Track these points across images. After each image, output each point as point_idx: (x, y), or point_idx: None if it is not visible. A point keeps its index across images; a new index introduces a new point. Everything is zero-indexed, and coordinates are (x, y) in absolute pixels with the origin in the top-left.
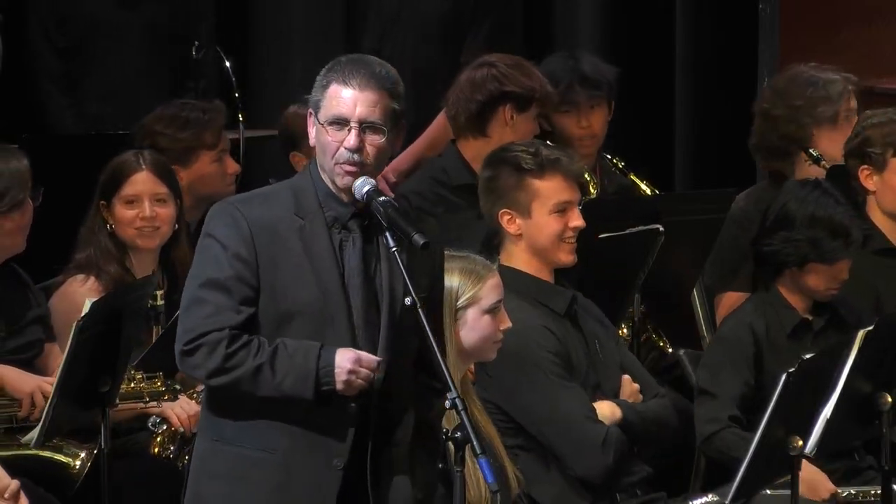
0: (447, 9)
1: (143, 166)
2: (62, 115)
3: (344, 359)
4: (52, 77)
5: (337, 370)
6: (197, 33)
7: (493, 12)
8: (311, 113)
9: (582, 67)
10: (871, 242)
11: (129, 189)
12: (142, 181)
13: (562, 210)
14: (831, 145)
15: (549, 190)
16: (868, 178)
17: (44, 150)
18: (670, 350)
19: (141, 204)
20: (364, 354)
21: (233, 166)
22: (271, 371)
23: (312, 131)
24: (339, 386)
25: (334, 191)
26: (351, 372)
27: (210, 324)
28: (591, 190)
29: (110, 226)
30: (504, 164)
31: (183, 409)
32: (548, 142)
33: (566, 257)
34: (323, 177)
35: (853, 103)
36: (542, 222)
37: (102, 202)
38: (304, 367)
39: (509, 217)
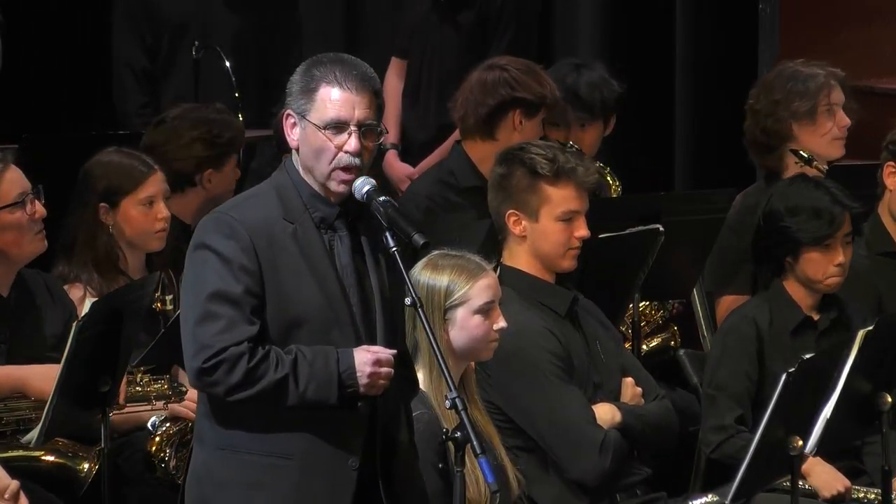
0: (472, 16)
1: (155, 167)
2: (138, 113)
3: (362, 360)
4: (136, 74)
5: (358, 373)
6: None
7: (516, 20)
8: (289, 115)
9: (578, 87)
10: (874, 244)
11: (148, 190)
12: (156, 182)
13: (568, 219)
14: (812, 140)
15: (560, 198)
16: (890, 176)
17: (44, 150)
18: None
19: (157, 205)
20: (381, 352)
21: (237, 172)
22: (294, 382)
23: (294, 132)
24: (362, 388)
25: (320, 191)
26: (372, 374)
27: (227, 339)
28: (613, 192)
29: (110, 228)
30: (519, 164)
31: (193, 403)
32: (571, 144)
33: (567, 264)
34: (306, 177)
35: (835, 97)
36: (549, 228)
37: (103, 205)
38: (325, 373)
39: (516, 218)
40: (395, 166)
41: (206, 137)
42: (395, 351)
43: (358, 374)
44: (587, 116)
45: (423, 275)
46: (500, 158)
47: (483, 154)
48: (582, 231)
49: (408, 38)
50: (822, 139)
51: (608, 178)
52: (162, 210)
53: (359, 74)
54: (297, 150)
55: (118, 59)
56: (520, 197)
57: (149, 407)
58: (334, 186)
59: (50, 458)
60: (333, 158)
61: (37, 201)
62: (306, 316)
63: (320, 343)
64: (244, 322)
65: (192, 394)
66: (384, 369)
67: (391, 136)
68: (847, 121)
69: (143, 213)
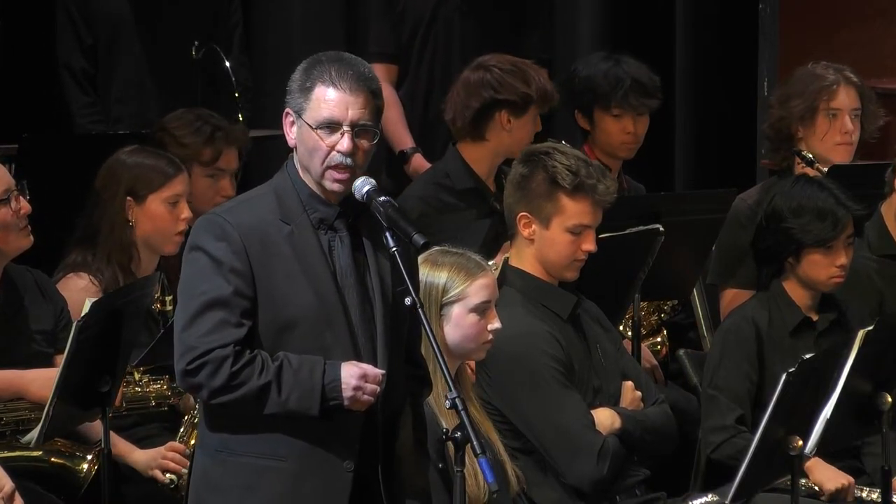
0: (501, 13)
1: (182, 168)
2: (82, 113)
3: (349, 374)
4: (76, 75)
5: (343, 385)
6: (228, 40)
7: (544, 19)
8: (287, 113)
9: (638, 74)
10: (877, 247)
11: (174, 189)
12: (183, 182)
13: (578, 232)
14: (814, 142)
15: (575, 211)
16: None
17: (44, 150)
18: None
19: (181, 205)
20: (369, 368)
21: (227, 189)
22: (277, 389)
23: (292, 131)
24: (345, 401)
25: (318, 192)
26: (357, 388)
27: (212, 341)
28: None
29: (131, 223)
30: (542, 169)
31: (174, 454)
32: (595, 161)
33: (570, 275)
34: (305, 178)
35: (840, 102)
36: (557, 238)
37: (129, 199)
38: (309, 383)
39: (527, 220)
40: (426, 167)
41: (178, 135)
42: (384, 371)
43: (343, 387)
44: (652, 102)
45: (422, 270)
46: (524, 158)
47: (477, 155)
48: (589, 245)
49: (408, 40)
50: (823, 143)
51: None
52: (185, 210)
53: (355, 74)
54: (296, 148)
55: (59, 61)
56: (535, 202)
57: (148, 407)
58: (328, 185)
59: (49, 458)
60: (326, 158)
61: (21, 198)
62: (298, 318)
63: (313, 345)
64: (231, 325)
65: (176, 445)
66: (370, 385)
67: (407, 141)
68: (849, 126)
69: (168, 211)
